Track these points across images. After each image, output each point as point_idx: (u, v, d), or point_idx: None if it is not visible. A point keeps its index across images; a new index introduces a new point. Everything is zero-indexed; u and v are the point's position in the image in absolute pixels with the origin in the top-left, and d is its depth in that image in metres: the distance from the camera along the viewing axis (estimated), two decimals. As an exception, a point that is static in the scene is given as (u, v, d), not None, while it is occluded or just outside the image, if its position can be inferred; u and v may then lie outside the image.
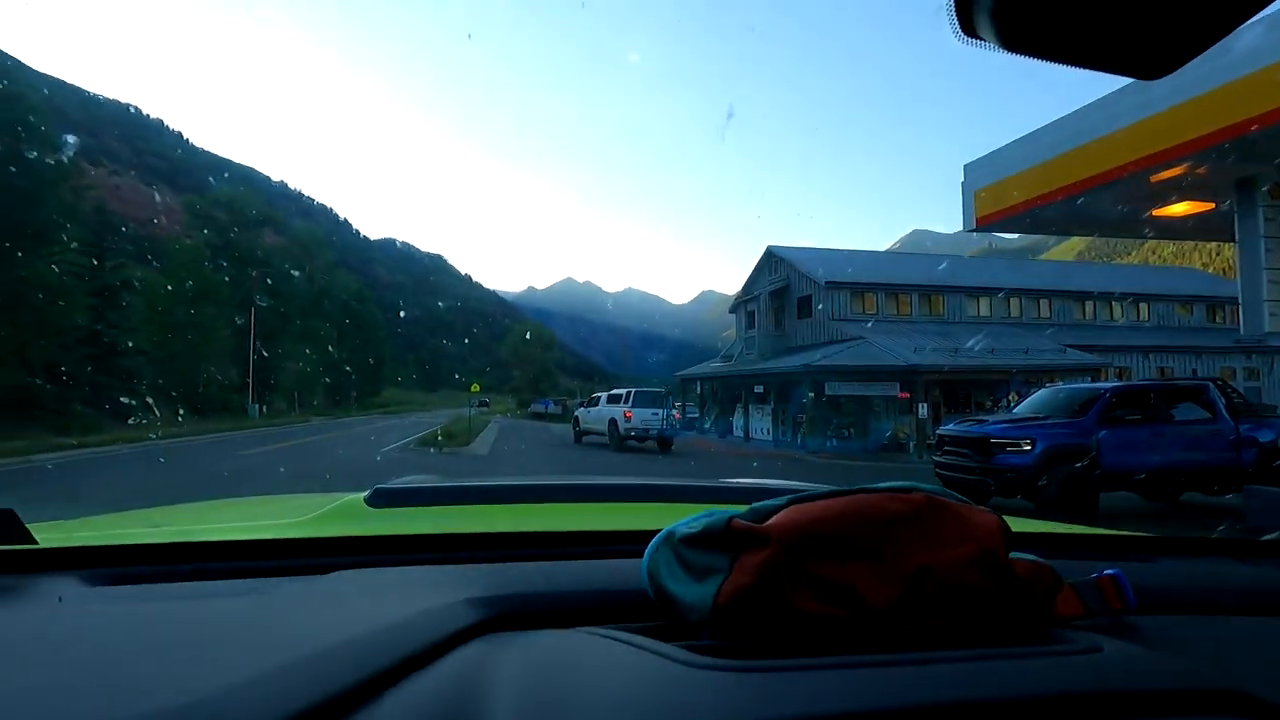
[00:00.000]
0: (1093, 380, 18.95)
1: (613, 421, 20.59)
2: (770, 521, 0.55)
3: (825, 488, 1.06)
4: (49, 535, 0.75)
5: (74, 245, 25.48)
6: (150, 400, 29.30)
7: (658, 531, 0.63)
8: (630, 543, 0.73)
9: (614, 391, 22.44)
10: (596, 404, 23.01)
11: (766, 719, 0.39)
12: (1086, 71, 0.45)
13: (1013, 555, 0.57)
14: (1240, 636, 0.64)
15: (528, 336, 77.26)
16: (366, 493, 0.98)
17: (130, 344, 28.72)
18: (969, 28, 0.44)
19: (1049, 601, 0.58)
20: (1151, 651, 0.51)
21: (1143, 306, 29.87)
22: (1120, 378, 23.48)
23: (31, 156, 23.03)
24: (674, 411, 21.80)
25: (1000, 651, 0.49)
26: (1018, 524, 1.04)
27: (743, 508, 0.62)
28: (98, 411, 25.36)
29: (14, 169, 22.12)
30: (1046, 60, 0.45)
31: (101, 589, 0.67)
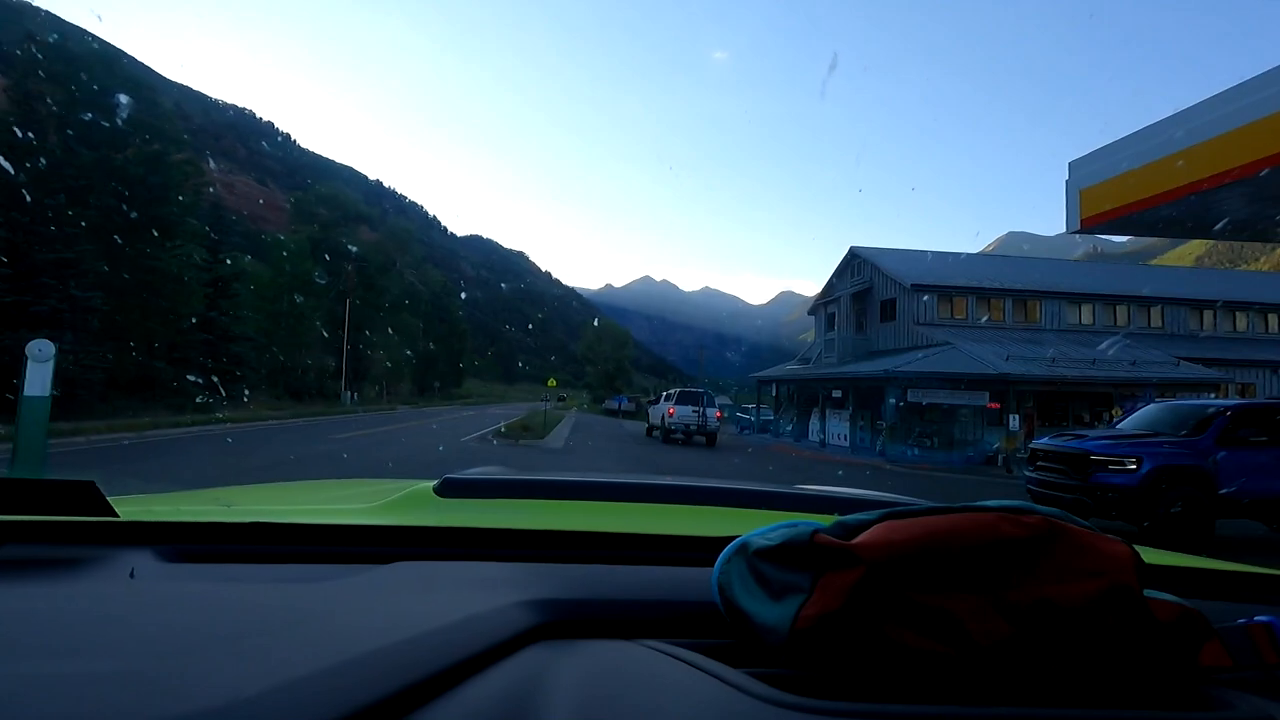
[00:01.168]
0: (1212, 396, 17.39)
1: (663, 417, 23.24)
2: (860, 539, 0.49)
3: (922, 503, 0.98)
4: (129, 509, 0.77)
5: (195, 238, 27.74)
6: (255, 384, 31.55)
7: (730, 539, 0.58)
8: (701, 550, 0.69)
9: (668, 391, 25.55)
10: (658, 402, 26.06)
11: None
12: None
13: (1150, 595, 0.49)
14: None
15: (603, 334, 78.15)
16: (435, 482, 0.98)
17: (240, 331, 30.96)
18: None
19: (1193, 652, 0.49)
20: None
21: (1271, 317, 27.17)
22: (1243, 394, 21.46)
23: (162, 158, 25.20)
24: (716, 410, 23.55)
25: (1143, 715, 0.43)
26: (1144, 555, 0.93)
27: (827, 519, 0.57)
28: (210, 393, 27.52)
29: (146, 169, 24.28)
30: None
31: (172, 565, 0.68)
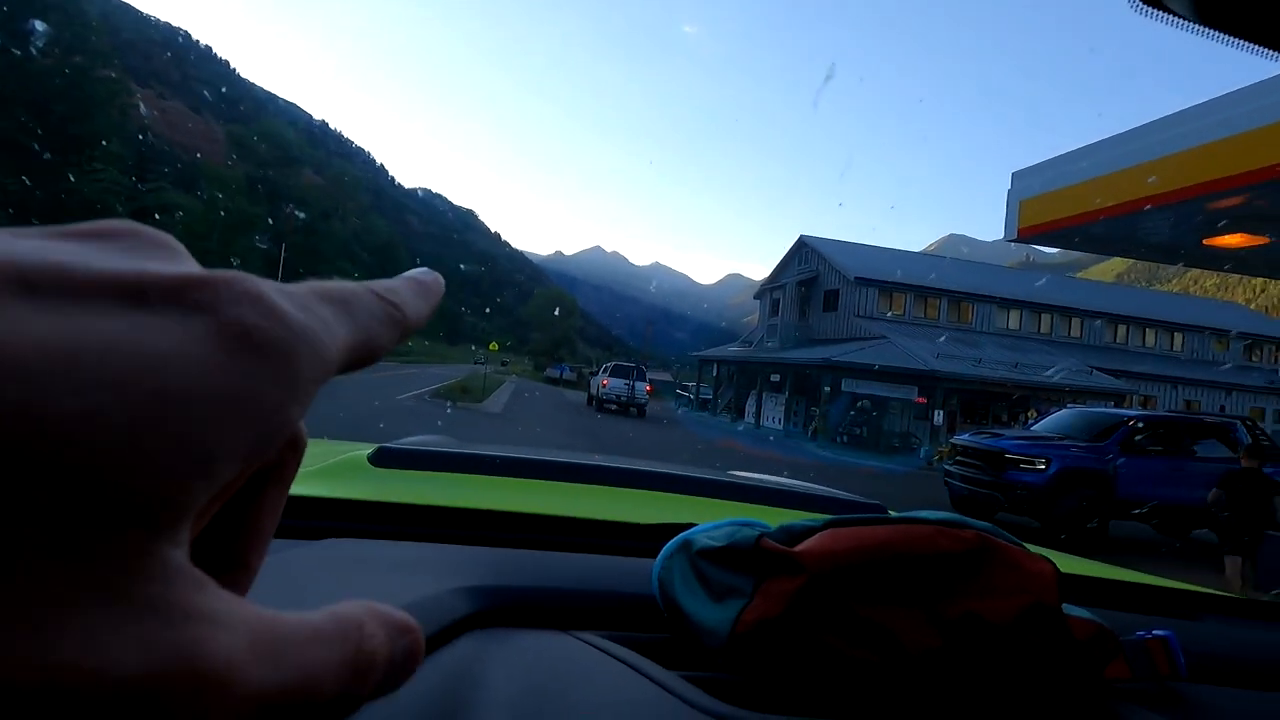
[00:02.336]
0: (1116, 406, 18.62)
1: (598, 387, 25.32)
2: (804, 546, 0.49)
3: (864, 505, 1.00)
4: None
5: (118, 162, 25.90)
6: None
7: (673, 527, 0.59)
8: (645, 538, 0.69)
9: (605, 365, 27.67)
10: (598, 374, 27.84)
11: None
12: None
13: (1068, 610, 0.52)
14: None
15: (550, 301, 77.43)
16: (370, 450, 0.94)
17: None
18: None
19: (1102, 667, 0.53)
20: None
21: (1177, 336, 29.16)
22: (1145, 406, 23.06)
23: (84, 72, 23.31)
24: (647, 385, 25.58)
25: None
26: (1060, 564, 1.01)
27: (765, 512, 0.58)
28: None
29: (67, 82, 22.43)
30: (1238, 39, 0.39)
31: None
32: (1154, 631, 0.56)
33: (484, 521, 0.75)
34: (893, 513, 0.56)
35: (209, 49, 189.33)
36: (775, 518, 0.57)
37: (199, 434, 0.13)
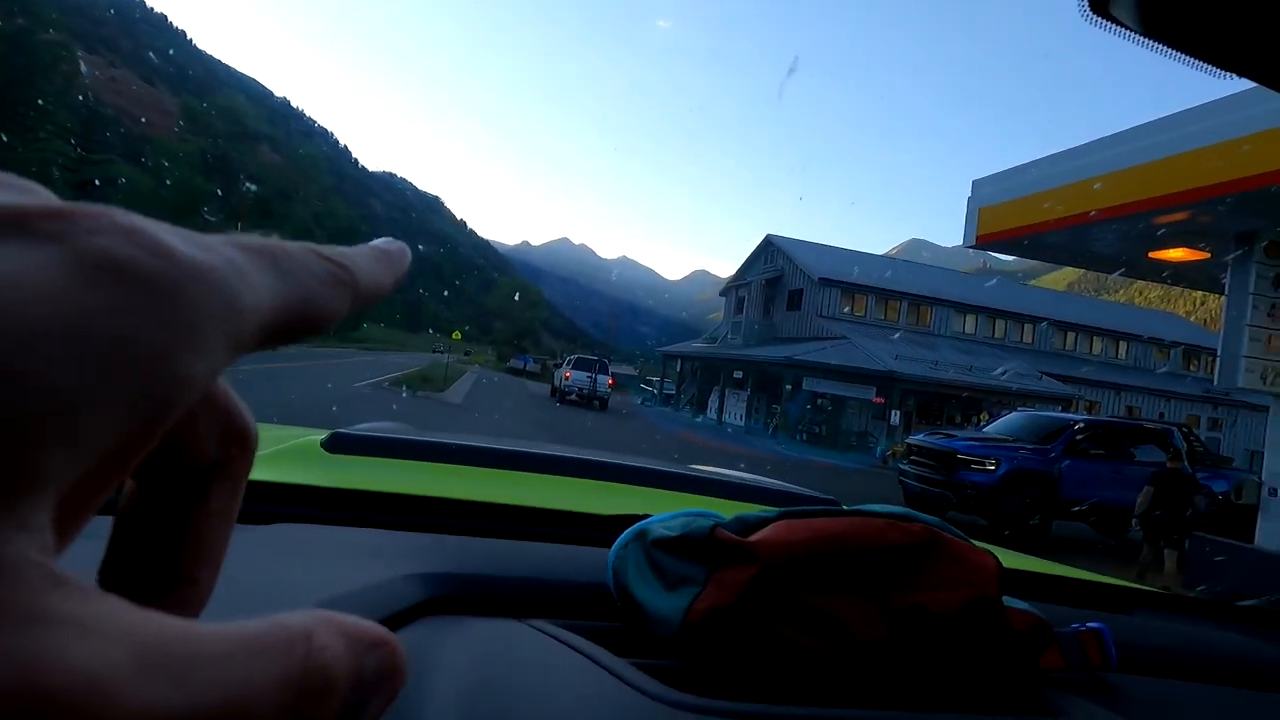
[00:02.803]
0: (1064, 410, 19.32)
1: (560, 379, 25.72)
2: (757, 536, 0.50)
3: (817, 499, 1.02)
4: None
5: (62, 132, 24.70)
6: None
7: (630, 518, 0.59)
8: (601, 528, 0.69)
9: (569, 357, 28.31)
10: (562, 366, 28.21)
11: None
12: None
13: (1008, 603, 0.55)
14: (1219, 707, 0.63)
15: (516, 291, 76.77)
16: (323, 435, 0.92)
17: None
18: (1101, 4, 0.38)
19: (1037, 657, 0.55)
20: None
21: (1122, 345, 30.35)
22: (1090, 411, 23.97)
23: (26, 33, 22.14)
24: (609, 378, 25.65)
25: None
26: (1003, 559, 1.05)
27: (720, 504, 0.59)
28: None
29: (7, 46, 21.29)
30: (1184, 55, 0.40)
31: None
32: (1088, 624, 0.59)
33: (439, 509, 0.74)
34: (845, 507, 0.57)
35: (163, 17, 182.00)
36: (731, 510, 0.58)
37: (42, 376, 0.10)
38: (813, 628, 0.48)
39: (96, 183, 27.41)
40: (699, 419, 28.07)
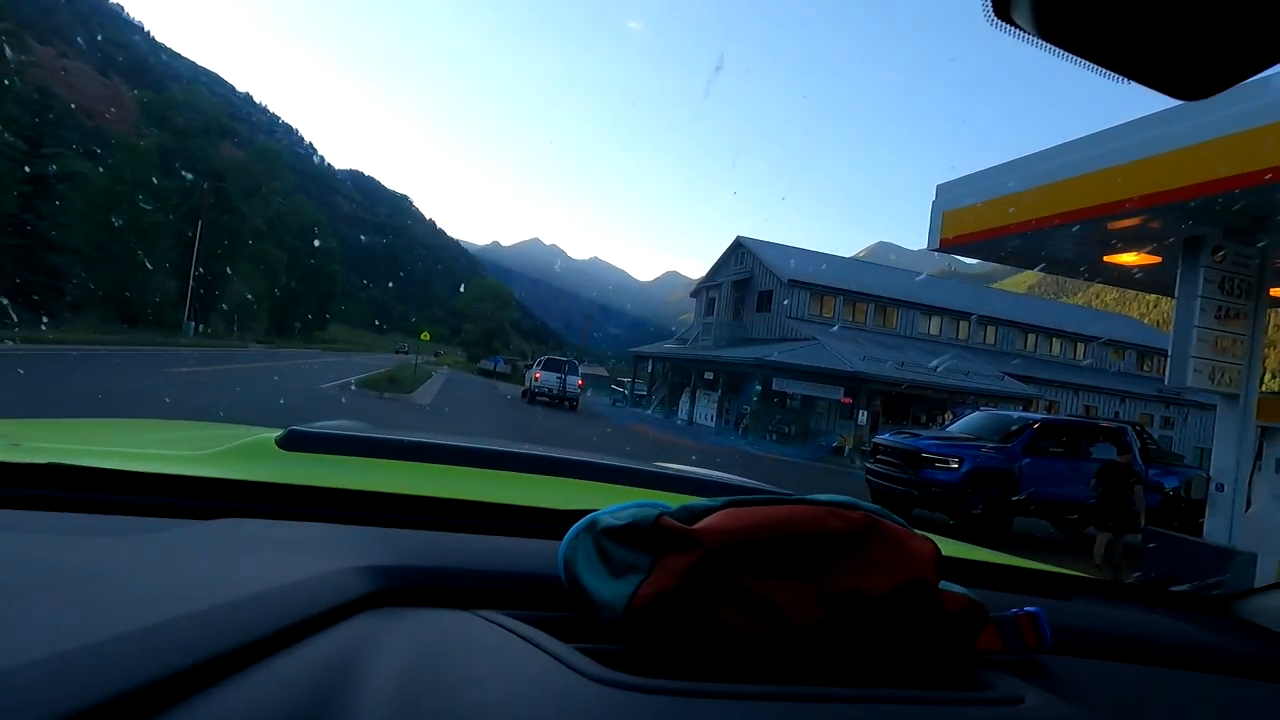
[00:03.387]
0: (1024, 410, 19.81)
1: (530, 380, 25.80)
2: (701, 524, 0.51)
3: (767, 490, 1.04)
4: None
5: (10, 125, 23.75)
6: (82, 303, 27.80)
7: (584, 513, 0.60)
8: (553, 522, 0.70)
9: (539, 358, 28.55)
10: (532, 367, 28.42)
11: None
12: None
13: (944, 586, 0.56)
14: (1148, 687, 0.65)
15: (485, 291, 76.05)
16: (279, 433, 0.91)
17: (63, 241, 27.05)
18: (1003, 9, 0.40)
19: (972, 638, 0.57)
20: (1071, 706, 0.50)
21: (1079, 346, 31.24)
22: (1049, 411, 24.60)
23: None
24: (578, 379, 25.80)
25: (921, 695, 0.48)
26: (944, 547, 1.07)
27: (677, 499, 0.60)
28: (18, 307, 23.89)
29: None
30: (1080, 59, 0.42)
31: None
32: (1025, 608, 0.61)
33: (392, 505, 0.73)
34: (792, 496, 0.58)
35: (119, 7, 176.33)
36: (682, 503, 0.58)
37: None
38: (751, 611, 0.49)
39: (55, 175, 26.43)
40: (670, 419, 28.13)
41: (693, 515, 0.53)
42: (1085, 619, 0.77)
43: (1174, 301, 6.98)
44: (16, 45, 24.49)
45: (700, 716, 0.40)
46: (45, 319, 24.21)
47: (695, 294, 34.48)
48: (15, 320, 21.38)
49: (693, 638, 0.49)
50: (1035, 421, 9.66)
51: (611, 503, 0.60)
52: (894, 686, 0.48)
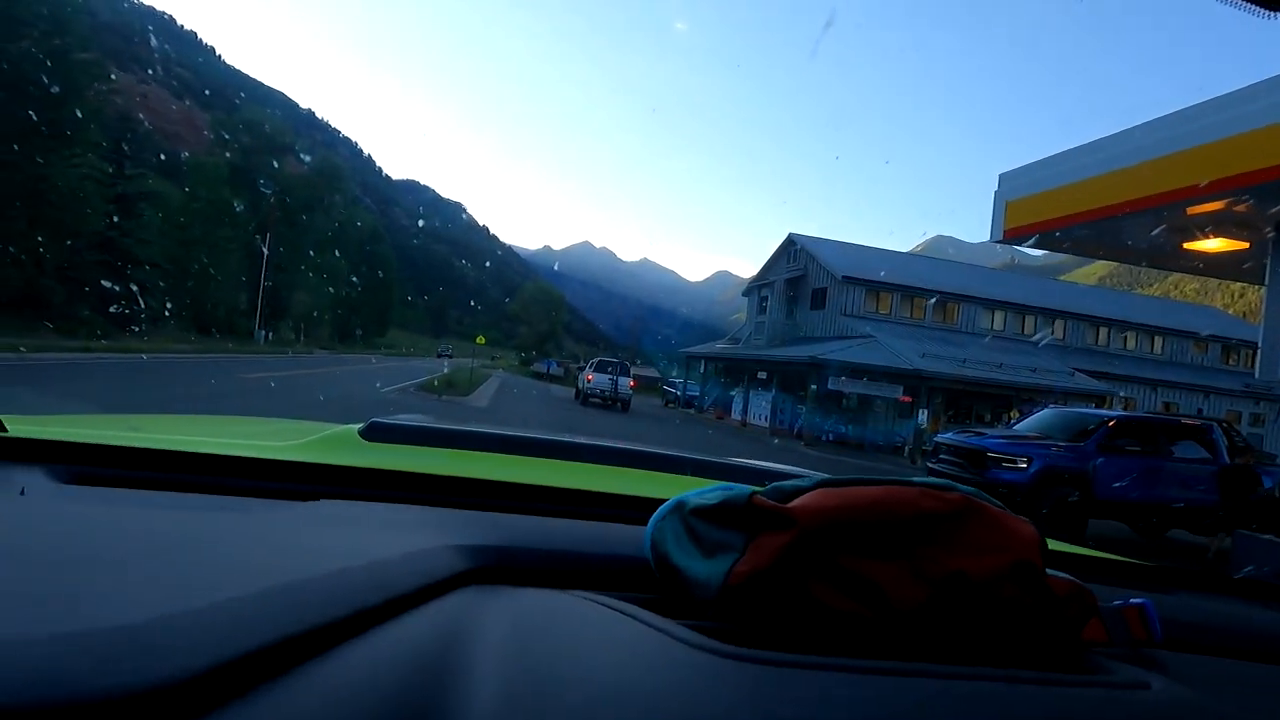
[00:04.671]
0: (1097, 407, 18.86)
1: (582, 382, 26.06)
2: (795, 503, 0.50)
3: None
4: (21, 427, 0.72)
5: (97, 149, 25.37)
6: (158, 313, 29.48)
7: (661, 500, 0.59)
8: (634, 508, 0.69)
9: (591, 360, 28.93)
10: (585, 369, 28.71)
11: (774, 717, 0.36)
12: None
13: (1049, 572, 0.54)
14: (1268, 684, 0.62)
15: (538, 295, 77.16)
16: (361, 425, 0.93)
17: (145, 255, 28.75)
18: None
19: (1080, 626, 0.54)
20: (1200, 694, 0.48)
21: (1157, 339, 29.58)
22: (1125, 408, 23.39)
23: (62, 53, 22.79)
24: (630, 380, 25.86)
25: (1039, 676, 0.46)
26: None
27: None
28: (105, 319, 25.51)
29: (44, 66, 21.92)
30: None
31: (69, 487, 0.63)
32: (1131, 600, 0.58)
33: (476, 490, 0.75)
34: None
35: (194, 34, 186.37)
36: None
37: None
38: (851, 591, 0.48)
39: (137, 194, 28.10)
40: (723, 420, 27.92)
41: (785, 495, 0.52)
42: (1193, 613, 0.73)
43: (1263, 290, 6.53)
44: (101, 76, 26.10)
45: (810, 686, 0.39)
46: (131, 329, 25.77)
47: (747, 293, 34.15)
48: (102, 332, 22.84)
49: (790, 617, 0.48)
50: (1110, 418, 9.17)
51: (676, 489, 0.60)
52: (1003, 667, 0.46)
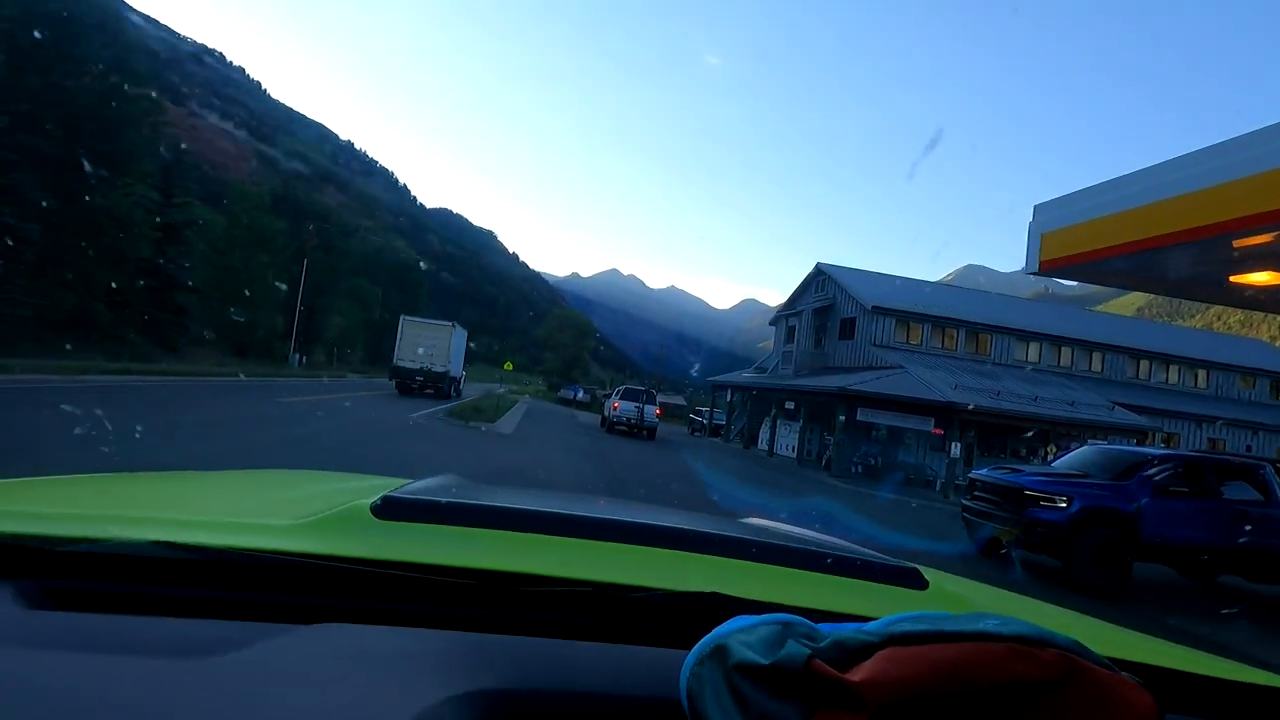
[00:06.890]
0: (1138, 444, 18.23)
1: (609, 410, 26.23)
2: (863, 675, 0.43)
3: (905, 571, 0.91)
4: None
5: (147, 179, 26.46)
6: (199, 336, 30.37)
7: (697, 598, 0.54)
8: (677, 616, 0.64)
9: (617, 388, 29.37)
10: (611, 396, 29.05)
11: None
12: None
13: None
14: None
15: (565, 322, 77.76)
16: (375, 500, 0.88)
17: (187, 281, 29.71)
18: None
19: None
20: None
21: (1201, 373, 28.64)
22: (1168, 444, 22.59)
23: (119, 90, 23.93)
24: (656, 408, 25.71)
25: None
26: (1126, 642, 0.86)
27: (798, 575, 0.53)
28: (149, 342, 26.33)
29: (101, 100, 23.04)
30: None
31: (33, 614, 0.56)
32: None
33: (496, 583, 0.70)
34: (958, 617, 0.49)
35: (241, 70, 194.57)
36: (802, 583, 0.54)
37: None
38: None
39: (182, 222, 29.14)
40: (750, 450, 27.62)
41: (847, 653, 0.45)
42: None
43: (1318, 325, 6.28)
44: (155, 110, 27.33)
45: None
46: (172, 353, 26.52)
47: (774, 322, 34.00)
48: (146, 354, 23.53)
49: None
50: (1155, 456, 8.83)
51: (720, 577, 0.55)
52: None
